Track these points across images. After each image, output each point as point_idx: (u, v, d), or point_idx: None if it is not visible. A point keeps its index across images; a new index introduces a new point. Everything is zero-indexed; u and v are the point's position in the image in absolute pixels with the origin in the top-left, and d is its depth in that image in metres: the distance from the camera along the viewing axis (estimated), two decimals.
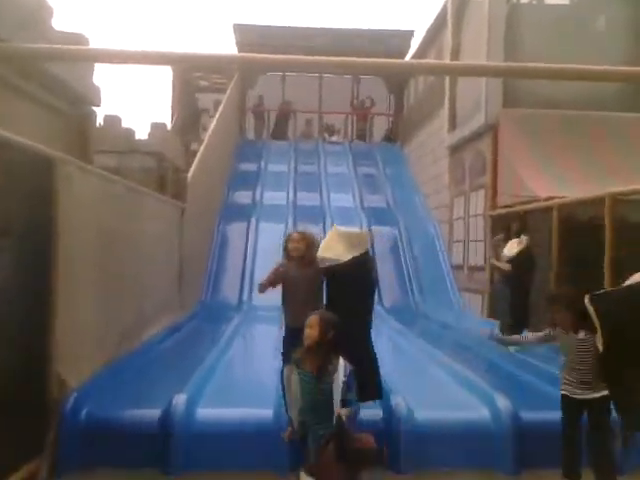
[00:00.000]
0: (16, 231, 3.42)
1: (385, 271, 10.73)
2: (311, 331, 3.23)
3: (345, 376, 3.12)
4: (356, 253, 4.11)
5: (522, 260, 6.94)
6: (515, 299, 7.04)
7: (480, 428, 4.12)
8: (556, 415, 3.81)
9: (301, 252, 4.47)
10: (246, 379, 5.42)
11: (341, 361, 3.16)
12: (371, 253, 5.39)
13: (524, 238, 7.09)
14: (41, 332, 3.73)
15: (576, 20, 9.95)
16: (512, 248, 7.07)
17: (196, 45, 41.32)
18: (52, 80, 4.15)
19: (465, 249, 10.91)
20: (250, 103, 18.17)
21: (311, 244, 4.46)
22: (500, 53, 9.43)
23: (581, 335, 3.66)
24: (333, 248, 4.15)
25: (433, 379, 5.51)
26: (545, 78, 4.36)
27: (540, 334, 4.04)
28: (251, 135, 17.95)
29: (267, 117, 18.31)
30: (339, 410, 3.02)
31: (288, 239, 4.66)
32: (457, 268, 11.13)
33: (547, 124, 9.08)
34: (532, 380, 5.36)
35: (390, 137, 18.42)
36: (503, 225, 8.06)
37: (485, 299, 9.66)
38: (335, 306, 3.86)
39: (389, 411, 4.06)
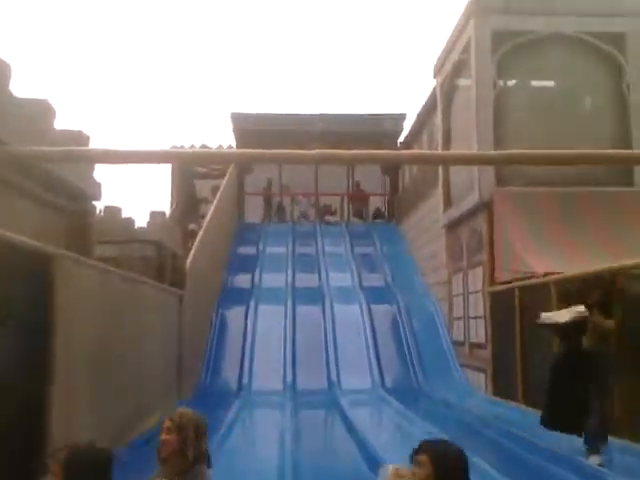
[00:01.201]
0: (15, 323, 3.45)
1: (386, 350, 10.66)
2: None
3: None
4: None
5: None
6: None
7: None
8: None
9: (170, 449, 2.57)
10: (247, 467, 5.29)
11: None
12: None
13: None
14: (38, 427, 3.68)
15: (562, 101, 10.30)
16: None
17: (195, 134, 42.50)
18: (53, 178, 4.28)
19: (465, 326, 10.87)
20: (248, 188, 18.55)
21: (185, 438, 2.57)
22: (489, 135, 9.73)
23: None
24: None
25: None
26: (535, 164, 4.50)
27: None
28: (254, 218, 18.23)
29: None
30: None
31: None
32: (458, 345, 11.05)
33: (540, 201, 9.25)
34: (536, 460, 5.23)
35: (379, 215, 18.82)
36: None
37: (488, 376, 9.55)
38: None
39: None
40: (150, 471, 4.90)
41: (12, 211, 3.83)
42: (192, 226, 16.04)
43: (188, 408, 2.78)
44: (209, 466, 2.64)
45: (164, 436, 2.57)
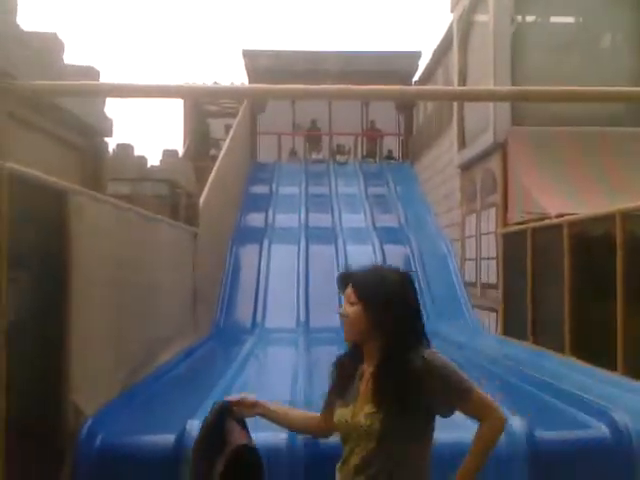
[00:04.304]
0: (29, 262, 3.48)
1: None
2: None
3: None
4: None
5: None
6: None
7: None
8: (573, 434, 3.78)
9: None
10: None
11: None
12: None
13: None
14: (56, 362, 3.77)
15: (581, 38, 10.01)
16: None
17: (206, 71, 41.89)
18: (63, 113, 4.25)
19: (477, 267, 10.91)
20: (261, 127, 18.42)
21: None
22: (507, 72, 9.52)
23: None
24: None
25: None
26: (553, 101, 4.40)
27: None
28: (267, 158, 18.17)
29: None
30: None
31: None
32: (470, 285, 11.12)
33: (557, 141, 9.12)
34: (548, 399, 5.31)
35: (391, 156, 18.67)
36: None
37: (499, 316, 9.63)
38: None
39: None
40: (165, 403, 5.07)
41: (22, 146, 3.82)
42: (213, 152, 16.10)
43: None
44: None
45: None
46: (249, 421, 3.05)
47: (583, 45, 9.90)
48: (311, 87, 3.29)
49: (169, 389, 5.52)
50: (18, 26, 3.73)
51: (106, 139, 5.39)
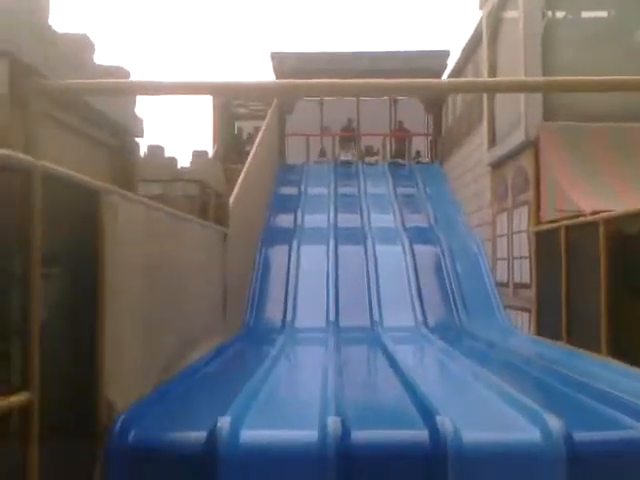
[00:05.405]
0: (63, 260, 3.51)
1: (428, 290, 10.64)
2: None
3: None
4: None
5: None
6: None
7: (532, 449, 4.00)
8: (610, 435, 3.69)
9: None
10: (290, 400, 5.42)
11: None
12: None
13: None
14: (89, 359, 3.80)
15: (614, 32, 9.82)
16: None
17: (234, 75, 42.23)
18: (95, 113, 4.29)
19: (509, 266, 10.76)
20: (289, 129, 18.47)
21: None
22: (538, 68, 9.38)
23: None
24: None
25: (480, 399, 5.39)
26: (584, 91, 4.31)
27: None
28: (295, 159, 18.21)
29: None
30: None
31: None
32: (502, 285, 10.97)
33: (589, 137, 8.96)
34: (584, 399, 5.19)
35: (419, 157, 18.57)
36: None
37: (532, 316, 9.49)
38: None
39: (435, 432, 3.99)
40: (197, 400, 5.08)
41: (55, 146, 3.87)
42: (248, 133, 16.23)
43: None
44: None
45: None
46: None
47: (616, 40, 9.70)
48: (338, 81, 3.26)
49: (200, 387, 5.54)
50: (50, 27, 3.78)
51: (137, 139, 5.44)
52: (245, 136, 19.55)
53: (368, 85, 3.31)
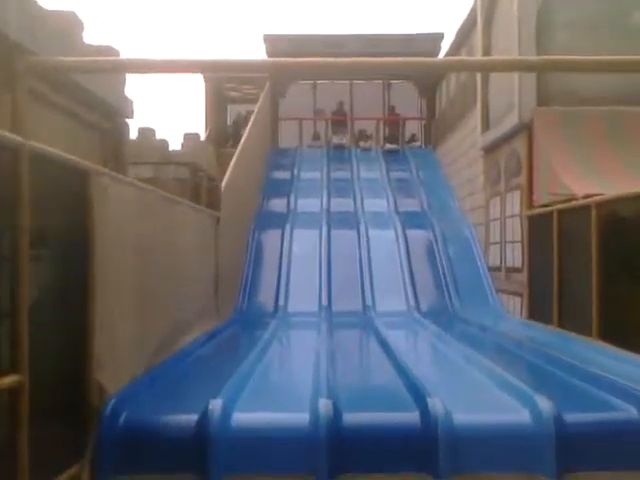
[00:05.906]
0: (53, 241, 3.48)
1: (421, 275, 10.65)
2: None
3: None
4: None
5: None
6: None
7: (522, 430, 4.02)
8: (599, 416, 3.71)
9: None
10: (282, 383, 5.42)
11: None
12: None
13: None
14: (80, 341, 3.78)
15: (610, 14, 9.75)
16: None
17: (228, 56, 41.93)
18: (84, 93, 4.23)
19: (502, 251, 10.77)
20: (282, 112, 18.35)
21: None
22: (532, 51, 9.32)
23: None
24: None
25: (472, 381, 5.41)
26: (580, 70, 4.28)
27: None
28: (287, 144, 18.11)
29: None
30: None
31: None
32: (494, 270, 10.99)
33: (583, 121, 8.93)
34: (575, 382, 5.21)
35: (414, 140, 18.49)
36: None
37: (524, 300, 9.51)
38: None
39: (426, 413, 4.00)
40: (188, 383, 5.06)
41: (45, 126, 3.81)
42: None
43: None
44: None
45: None
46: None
47: (612, 22, 9.64)
48: (330, 60, 3.22)
49: (192, 370, 5.53)
50: (36, 3, 3.70)
51: (127, 121, 5.38)
52: (234, 117, 19.40)
53: (362, 64, 3.28)
